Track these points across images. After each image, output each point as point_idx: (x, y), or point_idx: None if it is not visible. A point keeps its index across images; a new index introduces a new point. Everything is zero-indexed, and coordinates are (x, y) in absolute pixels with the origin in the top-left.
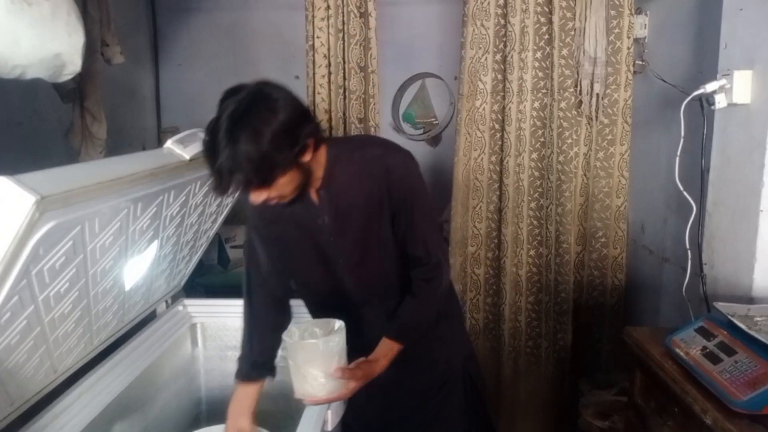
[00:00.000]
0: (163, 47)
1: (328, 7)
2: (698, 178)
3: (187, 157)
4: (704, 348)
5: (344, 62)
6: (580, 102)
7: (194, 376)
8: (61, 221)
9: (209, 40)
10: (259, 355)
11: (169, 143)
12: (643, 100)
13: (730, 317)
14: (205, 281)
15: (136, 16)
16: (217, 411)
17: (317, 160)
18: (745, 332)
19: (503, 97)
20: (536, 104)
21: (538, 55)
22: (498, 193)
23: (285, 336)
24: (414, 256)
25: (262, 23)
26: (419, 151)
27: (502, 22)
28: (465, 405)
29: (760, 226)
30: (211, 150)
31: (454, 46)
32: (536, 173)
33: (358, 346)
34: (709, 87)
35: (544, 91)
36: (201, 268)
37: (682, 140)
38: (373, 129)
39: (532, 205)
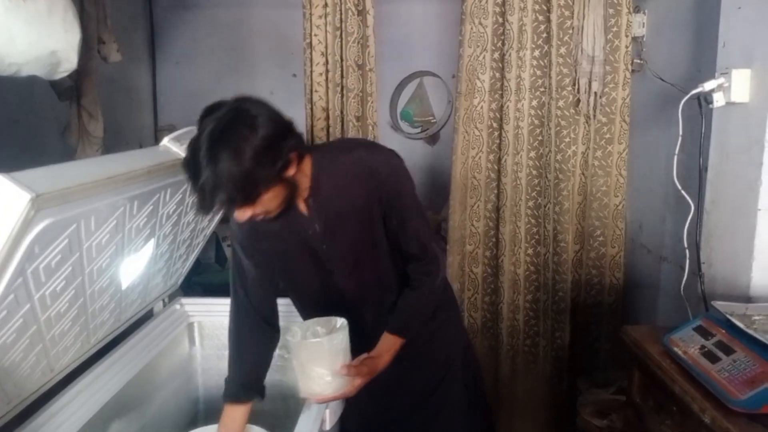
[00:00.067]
0: (161, 45)
1: (326, 5)
2: (696, 176)
3: (184, 155)
4: (702, 347)
5: (342, 60)
6: (578, 100)
7: (191, 375)
8: (57, 219)
9: (207, 37)
10: (246, 378)
11: (165, 141)
12: (642, 98)
13: (728, 316)
14: (203, 280)
15: (133, 13)
16: (214, 410)
17: (303, 172)
18: (743, 331)
19: (501, 96)
20: (534, 103)
21: (536, 53)
22: (496, 191)
23: (288, 336)
24: (410, 253)
25: (260, 21)
26: (417, 149)
27: (500, 20)
28: (465, 398)
29: (758, 224)
30: (192, 170)
31: (452, 44)
32: (534, 172)
33: (359, 346)
34: (708, 86)
35: (542, 89)
36: (198, 266)
37: (680, 139)
38: (370, 127)
39: (530, 203)
